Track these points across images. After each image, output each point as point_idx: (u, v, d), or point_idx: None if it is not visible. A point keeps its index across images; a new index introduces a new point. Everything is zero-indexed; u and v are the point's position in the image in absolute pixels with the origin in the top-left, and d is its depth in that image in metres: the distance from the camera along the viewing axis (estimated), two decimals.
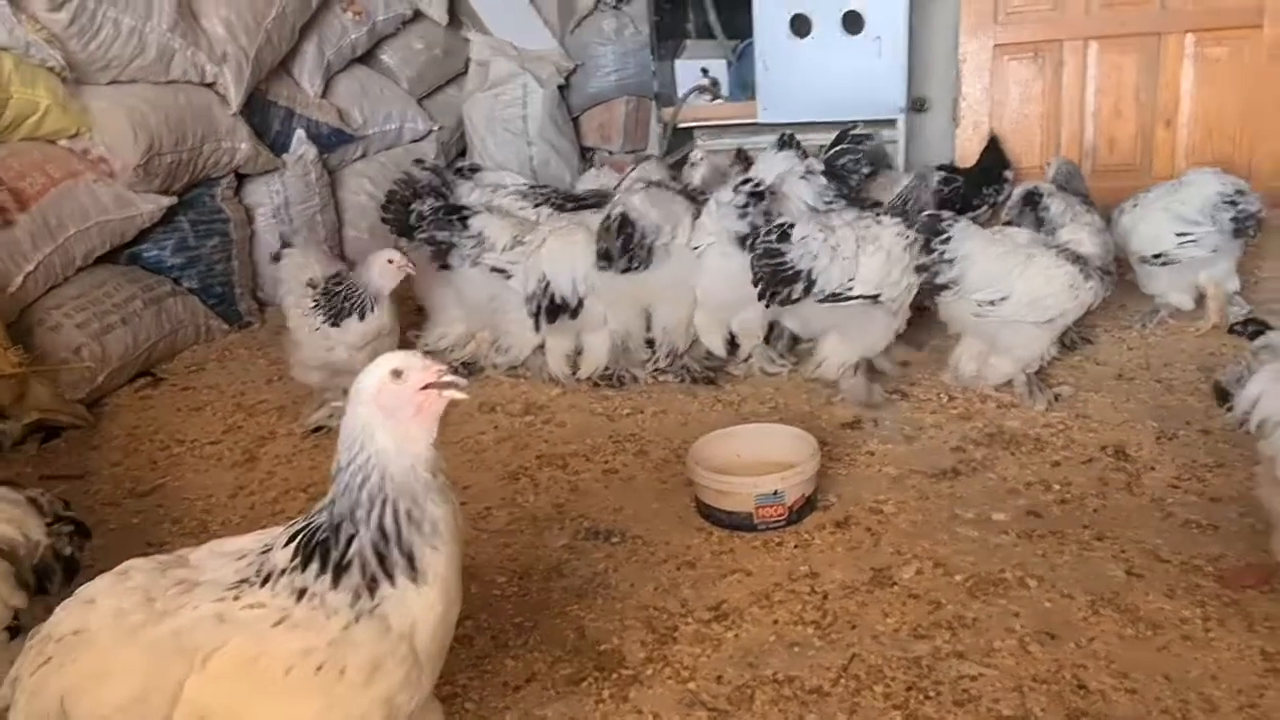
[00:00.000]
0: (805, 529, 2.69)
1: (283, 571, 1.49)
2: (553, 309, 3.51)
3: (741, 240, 3.39)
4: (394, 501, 1.51)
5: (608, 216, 3.41)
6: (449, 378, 1.54)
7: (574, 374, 3.71)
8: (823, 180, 3.71)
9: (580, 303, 3.53)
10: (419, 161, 4.29)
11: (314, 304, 3.34)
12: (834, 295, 3.19)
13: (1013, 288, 3.20)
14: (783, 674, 2.14)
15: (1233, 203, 3.65)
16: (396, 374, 1.53)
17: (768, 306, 3.29)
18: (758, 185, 3.42)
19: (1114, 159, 5.14)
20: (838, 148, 3.85)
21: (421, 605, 1.51)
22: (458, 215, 3.74)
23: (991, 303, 3.22)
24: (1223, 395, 2.18)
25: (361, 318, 3.30)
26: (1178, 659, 2.11)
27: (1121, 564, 2.44)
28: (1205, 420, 3.05)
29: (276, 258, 3.89)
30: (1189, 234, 3.68)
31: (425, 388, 1.53)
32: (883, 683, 2.09)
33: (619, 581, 2.51)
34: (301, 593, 1.47)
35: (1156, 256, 3.73)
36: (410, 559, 1.51)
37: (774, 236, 3.20)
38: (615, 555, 2.63)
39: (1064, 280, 3.19)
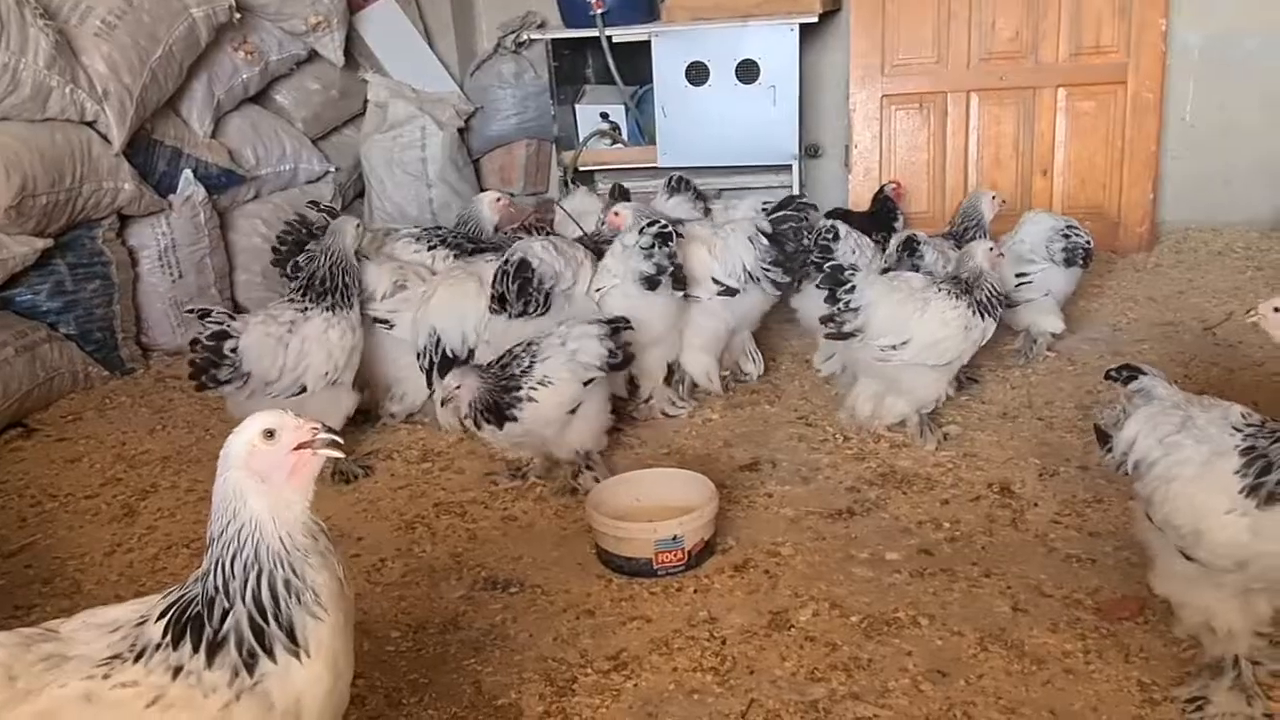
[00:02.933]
0: (704, 573, 2.70)
1: (158, 646, 1.41)
2: (444, 362, 3.45)
3: (646, 281, 3.45)
4: (269, 573, 1.45)
5: (506, 261, 3.39)
6: (324, 435, 1.49)
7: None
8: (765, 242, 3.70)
9: (471, 354, 3.48)
10: (314, 203, 4.20)
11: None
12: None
13: (913, 332, 3.29)
14: None
15: (1065, 235, 3.95)
16: (268, 434, 1.48)
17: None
18: (664, 227, 3.47)
19: None
20: (781, 213, 3.80)
21: (306, 679, 1.45)
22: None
23: (894, 347, 3.30)
24: (1102, 437, 2.28)
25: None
26: (1061, 693, 2.18)
27: (1008, 599, 2.52)
28: (1084, 457, 3.18)
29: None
30: (1025, 274, 3.94)
31: (299, 448, 1.48)
32: None
33: (517, 632, 2.48)
34: (178, 670, 1.40)
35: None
36: (290, 633, 1.45)
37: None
38: (514, 605, 2.59)
39: (959, 323, 3.30)
